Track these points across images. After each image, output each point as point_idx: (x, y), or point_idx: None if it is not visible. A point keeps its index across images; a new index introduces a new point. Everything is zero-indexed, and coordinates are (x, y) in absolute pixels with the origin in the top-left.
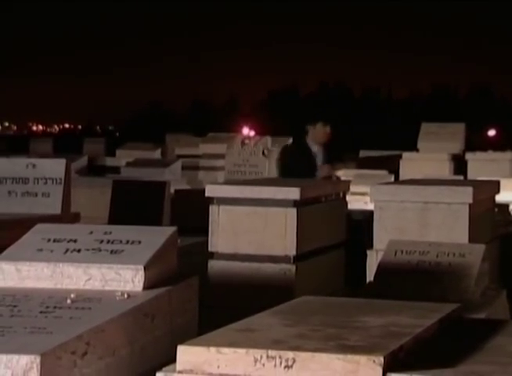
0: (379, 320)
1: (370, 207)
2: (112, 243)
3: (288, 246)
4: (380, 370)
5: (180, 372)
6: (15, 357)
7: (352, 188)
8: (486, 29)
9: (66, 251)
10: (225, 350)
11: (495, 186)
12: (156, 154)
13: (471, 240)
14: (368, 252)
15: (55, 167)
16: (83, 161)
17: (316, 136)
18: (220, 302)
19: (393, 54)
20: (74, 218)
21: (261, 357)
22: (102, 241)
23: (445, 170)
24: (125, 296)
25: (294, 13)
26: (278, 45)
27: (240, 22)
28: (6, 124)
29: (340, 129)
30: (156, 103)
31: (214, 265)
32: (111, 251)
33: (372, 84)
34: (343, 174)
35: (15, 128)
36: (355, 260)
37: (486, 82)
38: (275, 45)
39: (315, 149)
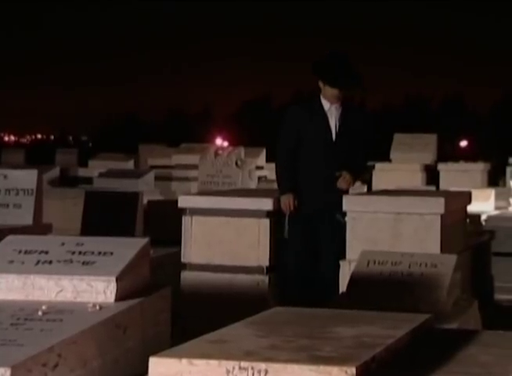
0: (351, 331)
1: None
2: (84, 254)
3: (261, 257)
4: None
5: None
6: None
7: None
8: (458, 41)
9: (38, 262)
10: (198, 362)
11: (467, 197)
12: (129, 165)
13: (443, 250)
14: (340, 263)
15: (27, 178)
16: (55, 172)
17: (325, 96)
18: (193, 313)
19: (366, 65)
20: (46, 230)
21: (234, 368)
22: (74, 253)
23: (417, 180)
24: (97, 308)
25: (269, 25)
26: (252, 56)
27: (215, 33)
28: None
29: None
30: (130, 114)
31: (186, 276)
32: (83, 263)
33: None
34: None
35: None
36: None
37: (458, 94)
38: (249, 55)
39: (327, 107)
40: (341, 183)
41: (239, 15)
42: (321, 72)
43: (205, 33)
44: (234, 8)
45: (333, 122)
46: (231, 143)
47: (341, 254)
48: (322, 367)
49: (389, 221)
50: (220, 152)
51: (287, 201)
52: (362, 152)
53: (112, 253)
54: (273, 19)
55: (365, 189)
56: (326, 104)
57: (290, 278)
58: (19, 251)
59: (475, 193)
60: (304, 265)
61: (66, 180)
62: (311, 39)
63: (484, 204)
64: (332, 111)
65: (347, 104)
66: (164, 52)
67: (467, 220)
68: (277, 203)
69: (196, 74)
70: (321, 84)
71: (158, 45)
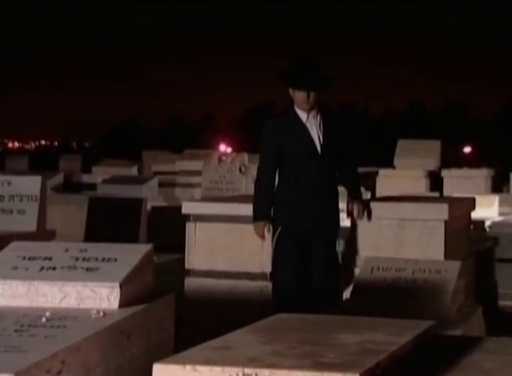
0: (355, 338)
1: (347, 223)
2: (87, 260)
3: (264, 263)
4: None
5: None
6: None
7: None
8: (462, 47)
9: (42, 268)
10: (201, 368)
11: (471, 203)
12: (133, 171)
13: (447, 256)
14: (345, 269)
15: (31, 184)
16: (59, 178)
17: (297, 104)
18: (196, 320)
19: (369, 71)
20: (50, 236)
21: (237, 375)
22: (77, 259)
23: (421, 187)
24: (101, 314)
25: (272, 30)
26: (255, 61)
27: (217, 39)
28: None
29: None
30: (133, 120)
31: (190, 282)
32: (87, 269)
33: (348, 101)
34: None
35: None
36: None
37: (462, 99)
38: (252, 60)
39: (304, 117)
40: (358, 217)
41: (242, 20)
42: (285, 77)
43: (207, 39)
44: (238, 12)
45: (314, 132)
46: (234, 149)
47: (335, 272)
48: (325, 374)
49: (393, 227)
50: (223, 158)
51: (260, 230)
52: (352, 164)
53: (116, 259)
54: (277, 25)
55: (368, 196)
56: (302, 115)
57: (280, 295)
58: (23, 258)
59: (479, 200)
60: (295, 282)
61: (70, 186)
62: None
63: (487, 211)
64: (311, 121)
65: (324, 110)
66: (167, 58)
67: (471, 226)
68: None
69: (199, 79)
70: (291, 91)
71: (161, 50)
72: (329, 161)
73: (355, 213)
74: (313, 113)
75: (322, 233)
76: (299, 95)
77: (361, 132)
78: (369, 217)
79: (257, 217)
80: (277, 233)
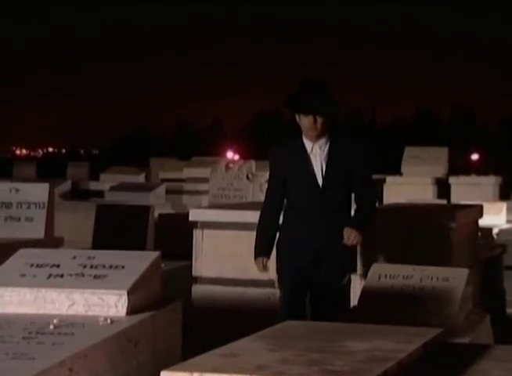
0: (363, 345)
1: None
2: (95, 268)
3: (272, 270)
4: None
5: None
6: None
7: None
8: (469, 53)
9: (49, 276)
10: None
11: (479, 210)
12: (141, 178)
13: (455, 264)
14: (352, 276)
15: (39, 191)
16: (67, 185)
17: (304, 132)
18: (204, 327)
19: (377, 78)
20: (58, 243)
21: None
22: (85, 266)
23: (428, 194)
24: (108, 321)
25: (278, 36)
26: (263, 68)
27: (226, 46)
28: None
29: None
30: (141, 127)
31: (197, 289)
32: (94, 276)
33: (355, 108)
34: None
35: None
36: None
37: (469, 106)
38: (260, 67)
39: (310, 147)
40: (348, 242)
41: (249, 26)
42: (290, 102)
43: (216, 46)
44: (245, 20)
45: (317, 164)
46: (242, 156)
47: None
48: None
49: (400, 234)
50: (231, 165)
51: (259, 267)
52: (365, 195)
53: (123, 266)
54: (284, 30)
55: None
56: (308, 144)
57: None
58: (31, 265)
59: (486, 207)
60: (300, 318)
61: (78, 194)
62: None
63: (495, 218)
64: (316, 152)
65: (336, 138)
66: (174, 65)
67: (479, 234)
68: None
69: (206, 87)
70: (297, 118)
71: (168, 57)
72: (334, 195)
73: (345, 239)
74: (321, 141)
75: (326, 269)
76: (305, 121)
77: (367, 167)
78: (360, 244)
79: (255, 255)
80: (279, 270)
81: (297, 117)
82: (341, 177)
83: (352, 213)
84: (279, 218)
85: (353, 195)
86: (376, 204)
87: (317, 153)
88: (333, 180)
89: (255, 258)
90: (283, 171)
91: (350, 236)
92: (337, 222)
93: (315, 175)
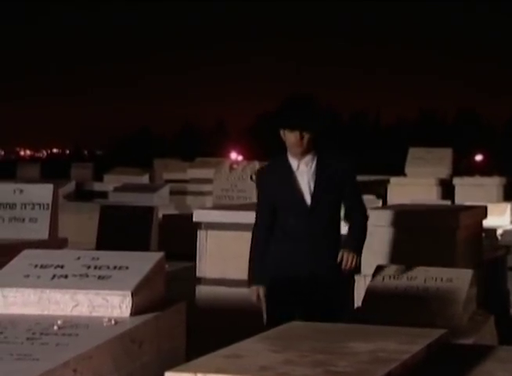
0: (367, 346)
1: None
2: (99, 268)
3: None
4: None
5: None
6: None
7: None
8: (474, 54)
9: (54, 276)
10: None
11: (483, 211)
12: (144, 179)
13: (459, 265)
14: (356, 277)
15: (43, 192)
16: (71, 186)
17: (288, 147)
18: (208, 328)
19: (381, 79)
20: (62, 244)
21: None
22: (89, 267)
23: (432, 195)
24: (113, 322)
25: (279, 37)
26: (266, 69)
27: (228, 47)
28: None
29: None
30: (144, 128)
31: (201, 290)
32: (98, 277)
33: (359, 109)
34: None
35: (2, 152)
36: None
37: (474, 107)
38: (263, 68)
39: (295, 165)
40: (345, 267)
41: (252, 27)
42: (274, 118)
43: (219, 47)
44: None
45: (304, 183)
46: (245, 157)
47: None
48: None
49: (404, 235)
50: (235, 166)
51: (255, 295)
52: (356, 214)
53: (127, 267)
54: (288, 31)
55: (380, 204)
56: (293, 161)
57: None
58: (35, 266)
59: (491, 208)
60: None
61: (82, 194)
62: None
63: (499, 219)
64: (302, 169)
65: (322, 154)
66: (178, 66)
67: (483, 234)
68: None
69: (209, 87)
70: (282, 134)
71: (172, 58)
72: (323, 214)
73: (343, 264)
74: (306, 158)
75: (317, 294)
76: (291, 137)
77: (354, 185)
78: (357, 269)
79: (251, 282)
80: (268, 294)
81: (281, 133)
82: (330, 195)
83: (343, 231)
84: (268, 246)
85: (342, 212)
86: (368, 222)
87: (304, 171)
88: (322, 198)
89: (250, 285)
90: (271, 195)
91: (347, 260)
92: (327, 242)
93: (302, 194)
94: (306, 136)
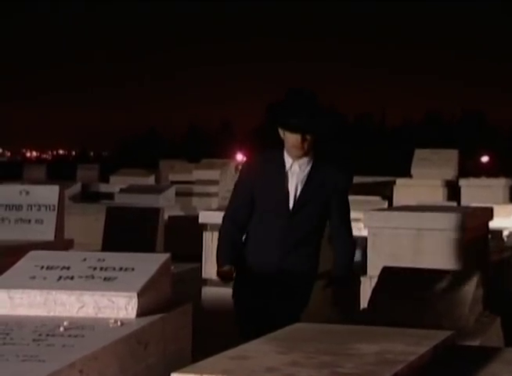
0: (373, 347)
1: (364, 233)
2: (105, 270)
3: None
4: None
5: None
6: None
7: None
8: (481, 55)
9: (60, 278)
10: None
11: (489, 213)
12: (150, 180)
13: (465, 266)
14: (362, 279)
15: (49, 193)
16: (77, 188)
17: (286, 146)
18: (214, 329)
19: (386, 81)
20: (68, 245)
21: None
22: (95, 268)
23: (438, 196)
24: (118, 323)
25: (286, 39)
26: (273, 70)
27: (234, 48)
28: (0, 150)
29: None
30: (150, 129)
31: (207, 291)
32: (104, 278)
33: (365, 111)
34: None
35: (8, 154)
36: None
37: (480, 108)
38: (270, 69)
39: (289, 163)
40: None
41: (259, 28)
42: (277, 115)
43: (224, 48)
44: (256, 21)
45: (292, 184)
46: None
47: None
48: None
49: (410, 237)
50: (240, 167)
51: (227, 275)
52: (343, 227)
53: (133, 269)
54: (297, 31)
55: (385, 205)
56: (288, 160)
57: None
58: (41, 267)
59: (497, 209)
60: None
61: (88, 196)
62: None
63: (505, 220)
64: (294, 170)
65: (318, 158)
66: (184, 67)
67: (489, 236)
68: None
69: (215, 89)
70: (281, 131)
71: (178, 60)
72: (303, 222)
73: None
74: (302, 160)
75: (285, 302)
76: (291, 139)
77: (344, 199)
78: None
79: (222, 262)
80: (235, 295)
81: (281, 132)
82: (316, 203)
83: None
84: (241, 235)
85: (328, 229)
86: (354, 248)
87: (295, 172)
88: (306, 205)
89: (221, 266)
90: (255, 187)
91: (333, 296)
92: (302, 253)
93: (287, 195)
94: (308, 139)
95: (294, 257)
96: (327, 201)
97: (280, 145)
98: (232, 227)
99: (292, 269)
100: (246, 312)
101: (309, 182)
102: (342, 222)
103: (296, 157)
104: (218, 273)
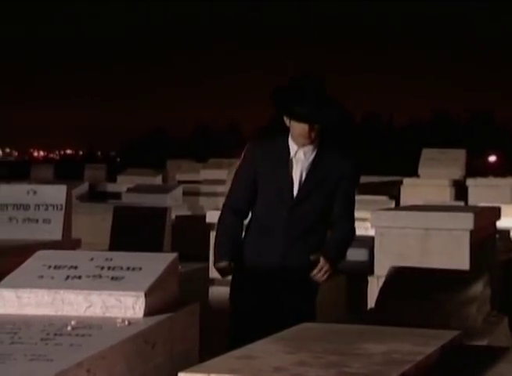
0: (381, 347)
1: (371, 233)
2: (113, 269)
3: None
4: None
5: None
6: None
7: None
8: (487, 56)
9: (67, 277)
10: None
11: (496, 212)
12: (158, 180)
13: (472, 266)
14: (369, 278)
15: (56, 193)
16: (84, 187)
17: (292, 134)
18: (221, 329)
19: (394, 80)
20: (75, 245)
21: None
22: (102, 268)
23: (445, 196)
24: (126, 323)
25: (292, 38)
26: (279, 70)
27: (241, 47)
28: (7, 150)
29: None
30: (158, 129)
31: (214, 291)
32: (112, 278)
33: (372, 110)
34: None
35: (16, 153)
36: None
37: (487, 108)
38: (277, 69)
39: (293, 150)
40: (316, 275)
41: (264, 28)
42: (283, 102)
43: (231, 47)
44: (261, 21)
45: (297, 172)
46: None
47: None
48: None
49: (418, 236)
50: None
51: (226, 271)
52: (344, 217)
53: (141, 268)
54: (301, 34)
55: (393, 205)
56: (292, 146)
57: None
58: (49, 267)
59: (504, 209)
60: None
61: (95, 195)
62: (339, 53)
63: None
64: (299, 157)
65: (323, 146)
66: (192, 67)
67: (496, 236)
68: None
69: (223, 88)
70: (286, 119)
71: (186, 59)
72: (307, 211)
73: (316, 271)
74: (307, 148)
75: (286, 298)
76: (297, 128)
77: (352, 188)
78: (326, 276)
79: (219, 258)
80: (233, 293)
81: (286, 120)
82: (320, 192)
83: (325, 235)
84: (241, 225)
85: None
86: (354, 236)
87: (300, 159)
88: (310, 194)
89: (219, 261)
90: (258, 173)
91: (322, 269)
92: (304, 244)
93: (291, 184)
94: (316, 128)
95: (299, 247)
96: (332, 190)
97: (285, 131)
98: (233, 219)
99: (297, 259)
100: (246, 308)
101: (314, 170)
102: (345, 211)
103: (301, 145)
104: (216, 268)
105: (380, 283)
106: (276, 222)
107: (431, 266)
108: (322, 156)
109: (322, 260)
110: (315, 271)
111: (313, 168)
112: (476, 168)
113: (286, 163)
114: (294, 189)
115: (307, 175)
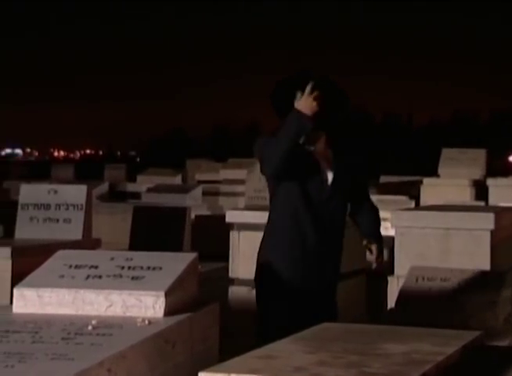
0: (401, 347)
1: (391, 233)
2: (133, 269)
3: None
4: None
5: None
6: None
7: None
8: (506, 54)
9: (88, 277)
10: None
11: None
12: (177, 180)
13: (493, 266)
14: (389, 278)
15: (77, 193)
16: (104, 187)
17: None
18: (241, 328)
19: (414, 80)
20: (95, 244)
21: None
22: (123, 267)
23: (466, 196)
24: (146, 322)
25: (312, 40)
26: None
27: (260, 49)
28: (28, 149)
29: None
30: (178, 129)
31: (234, 291)
32: (132, 278)
33: (393, 110)
34: None
35: (36, 153)
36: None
37: (508, 107)
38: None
39: (310, 150)
40: (379, 261)
41: (282, 29)
42: (286, 96)
43: (252, 48)
44: (280, 22)
45: (324, 166)
46: None
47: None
48: None
49: (438, 236)
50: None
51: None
52: (368, 200)
53: (161, 268)
54: (318, 37)
55: (413, 205)
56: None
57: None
58: (70, 266)
59: None
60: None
61: (115, 195)
62: (358, 56)
63: None
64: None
65: (332, 137)
66: (212, 67)
67: None
68: None
69: (242, 88)
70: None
71: (206, 60)
72: (338, 208)
73: (378, 258)
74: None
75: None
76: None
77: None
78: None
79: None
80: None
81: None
82: (345, 185)
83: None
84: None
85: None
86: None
87: (321, 158)
88: (341, 187)
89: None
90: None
91: (381, 255)
92: (338, 242)
93: (325, 180)
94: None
95: (328, 249)
96: (351, 179)
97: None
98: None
99: (328, 263)
100: (280, 317)
101: (338, 163)
102: (367, 194)
103: (311, 142)
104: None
105: (400, 283)
106: (312, 223)
107: (451, 266)
108: (337, 147)
109: (376, 246)
110: (378, 259)
111: (335, 161)
112: (496, 168)
113: (314, 163)
114: (328, 185)
115: (334, 168)
